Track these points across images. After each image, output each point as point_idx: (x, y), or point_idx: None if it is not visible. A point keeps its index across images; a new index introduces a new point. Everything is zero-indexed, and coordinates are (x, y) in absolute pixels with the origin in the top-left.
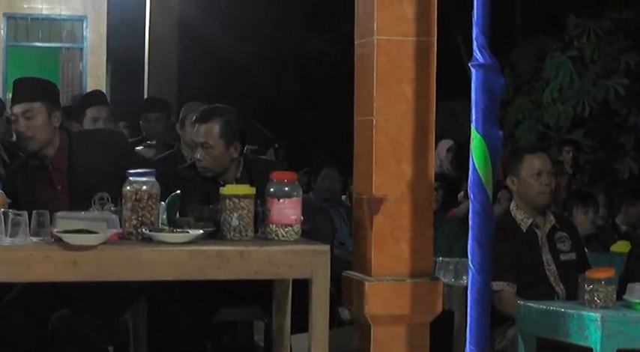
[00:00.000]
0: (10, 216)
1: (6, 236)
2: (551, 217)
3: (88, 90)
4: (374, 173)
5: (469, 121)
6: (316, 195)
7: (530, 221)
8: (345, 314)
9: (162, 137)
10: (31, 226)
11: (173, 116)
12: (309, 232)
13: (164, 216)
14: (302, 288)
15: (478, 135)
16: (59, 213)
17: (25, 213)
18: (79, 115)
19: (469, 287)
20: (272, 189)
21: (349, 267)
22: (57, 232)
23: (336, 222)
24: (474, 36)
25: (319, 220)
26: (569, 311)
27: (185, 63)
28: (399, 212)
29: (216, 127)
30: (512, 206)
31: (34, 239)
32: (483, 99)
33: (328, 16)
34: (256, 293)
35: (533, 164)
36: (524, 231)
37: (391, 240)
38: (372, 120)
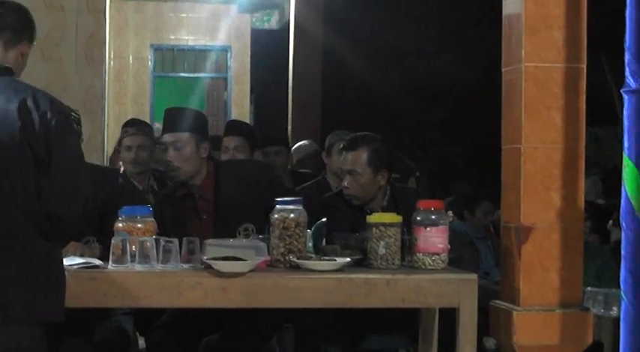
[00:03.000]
0: (162, 243)
1: (158, 262)
2: None
3: (233, 118)
4: (522, 201)
5: (614, 148)
6: (470, 225)
7: None
8: (489, 343)
9: (283, 170)
10: (182, 253)
11: (318, 145)
12: (456, 261)
13: (310, 244)
14: (447, 317)
15: (631, 163)
16: (209, 241)
17: (176, 241)
18: (218, 144)
19: (622, 319)
20: (419, 218)
21: (494, 297)
22: (207, 259)
23: (482, 251)
24: (625, 62)
25: (464, 250)
26: None
27: (328, 91)
28: (548, 241)
29: (363, 155)
30: None
31: (185, 265)
32: (637, 126)
33: (471, 43)
34: (402, 322)
35: None
36: None
37: (540, 270)
38: (520, 148)
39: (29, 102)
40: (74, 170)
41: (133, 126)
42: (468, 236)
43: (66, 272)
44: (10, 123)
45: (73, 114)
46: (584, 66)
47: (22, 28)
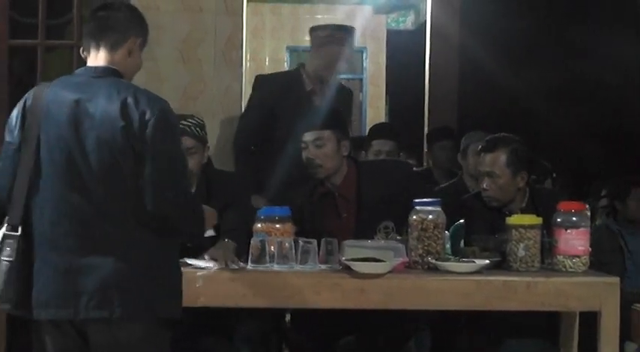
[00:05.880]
0: (300, 243)
1: (296, 263)
2: None
3: (368, 120)
4: None
5: None
6: (622, 219)
7: None
8: (630, 347)
9: (447, 166)
10: (320, 253)
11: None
12: (598, 263)
13: (448, 246)
14: (588, 320)
15: None
16: (347, 242)
17: (315, 241)
18: (366, 146)
19: None
20: (559, 219)
21: (635, 301)
22: (345, 260)
23: (635, 249)
24: None
25: (611, 254)
26: None
27: (465, 93)
28: None
29: (502, 156)
30: None
31: (323, 266)
32: None
33: (615, 43)
34: (541, 325)
35: None
36: None
37: None
38: None
39: (130, 101)
40: (170, 170)
41: None
42: (617, 237)
43: (204, 272)
44: (113, 123)
45: (195, 119)
46: None
47: (127, 27)
